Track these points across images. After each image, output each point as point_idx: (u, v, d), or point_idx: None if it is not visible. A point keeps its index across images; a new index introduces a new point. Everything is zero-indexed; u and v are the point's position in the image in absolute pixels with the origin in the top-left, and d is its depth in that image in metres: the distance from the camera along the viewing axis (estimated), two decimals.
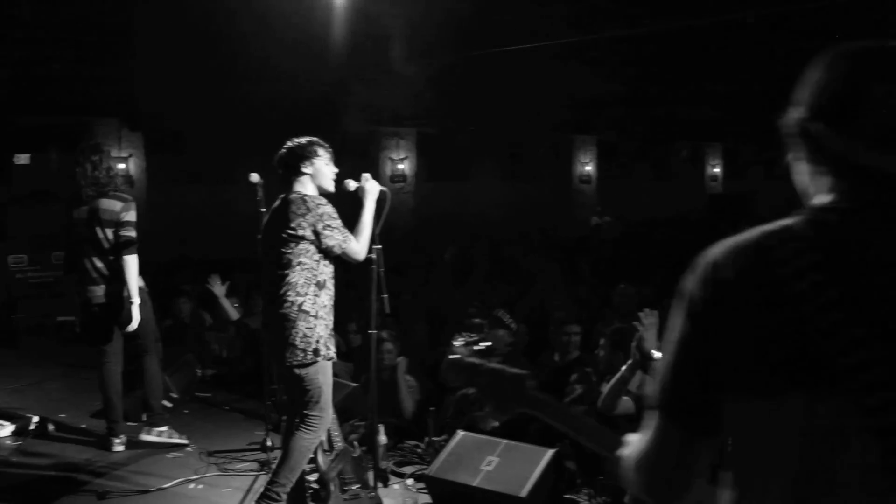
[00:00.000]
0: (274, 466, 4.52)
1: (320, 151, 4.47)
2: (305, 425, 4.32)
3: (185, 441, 5.88)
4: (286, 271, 4.27)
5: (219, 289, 7.91)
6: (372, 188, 4.59)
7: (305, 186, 4.42)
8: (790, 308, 1.29)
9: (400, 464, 5.42)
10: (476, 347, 1.83)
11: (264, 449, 5.51)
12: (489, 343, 1.88)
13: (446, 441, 5.04)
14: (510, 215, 18.11)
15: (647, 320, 4.10)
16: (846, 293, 1.27)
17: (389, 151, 17.37)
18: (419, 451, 5.57)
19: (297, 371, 4.28)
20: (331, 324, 4.42)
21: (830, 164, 1.38)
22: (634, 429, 1.59)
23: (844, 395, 1.26)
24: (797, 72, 1.42)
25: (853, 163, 1.34)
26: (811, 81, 1.40)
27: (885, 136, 1.32)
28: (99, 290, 5.63)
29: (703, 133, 21.99)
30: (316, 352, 4.27)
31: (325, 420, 4.38)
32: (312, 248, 4.28)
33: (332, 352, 4.41)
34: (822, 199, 1.38)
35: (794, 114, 1.41)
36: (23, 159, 13.09)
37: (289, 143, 4.49)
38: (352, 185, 4.63)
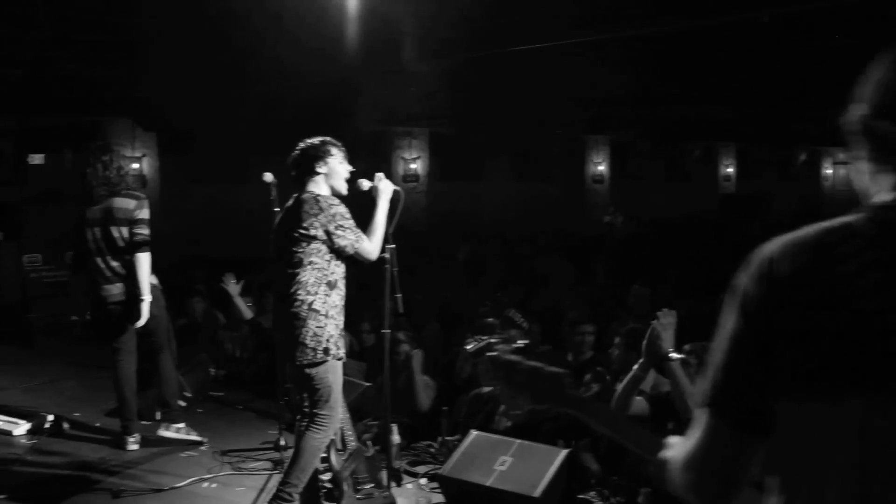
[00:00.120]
0: (286, 466, 4.53)
1: (334, 150, 4.48)
2: (315, 424, 4.34)
3: (201, 438, 5.91)
4: (297, 270, 4.28)
5: (233, 287, 7.94)
6: (385, 188, 4.60)
7: (319, 186, 4.43)
8: (850, 306, 1.27)
9: (413, 463, 5.42)
10: (515, 345, 1.83)
11: (277, 448, 5.53)
12: (527, 341, 1.88)
13: (460, 441, 5.04)
14: (523, 215, 18.06)
15: (665, 320, 4.02)
16: None
17: (402, 151, 17.37)
18: (432, 450, 5.57)
19: (307, 370, 4.30)
20: (341, 323, 4.43)
21: (894, 163, 1.36)
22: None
23: None
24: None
25: None
26: (875, 79, 1.37)
27: None
28: (114, 289, 5.65)
29: (716, 133, 21.86)
30: (326, 351, 4.29)
31: (334, 419, 4.39)
32: (324, 247, 4.29)
33: (343, 351, 4.42)
34: (883, 196, 1.36)
35: (857, 111, 1.38)
36: (37, 159, 13.12)
37: (302, 144, 4.50)
38: (365, 184, 4.64)
